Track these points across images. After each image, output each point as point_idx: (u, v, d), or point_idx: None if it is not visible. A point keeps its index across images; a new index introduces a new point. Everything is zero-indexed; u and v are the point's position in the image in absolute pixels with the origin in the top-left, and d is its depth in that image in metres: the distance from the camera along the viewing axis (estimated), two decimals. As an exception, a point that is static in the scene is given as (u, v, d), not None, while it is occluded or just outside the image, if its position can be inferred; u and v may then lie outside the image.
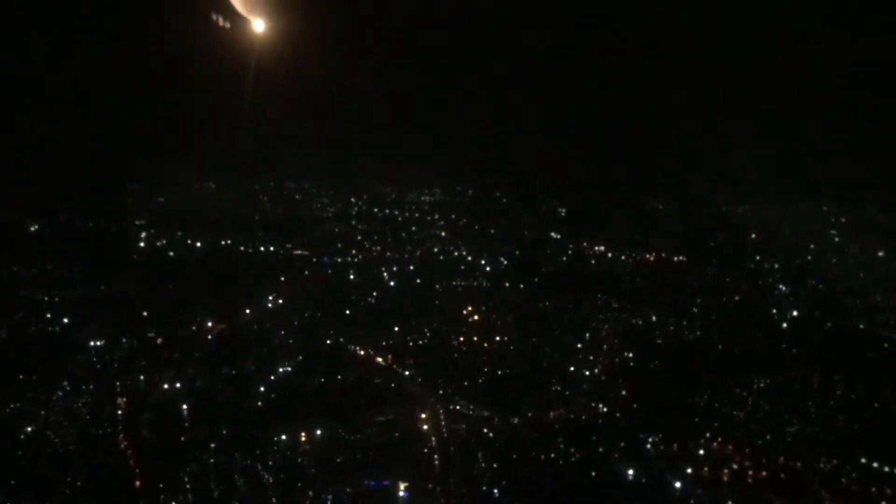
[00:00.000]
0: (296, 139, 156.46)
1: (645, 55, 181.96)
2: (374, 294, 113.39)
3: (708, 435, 78.48)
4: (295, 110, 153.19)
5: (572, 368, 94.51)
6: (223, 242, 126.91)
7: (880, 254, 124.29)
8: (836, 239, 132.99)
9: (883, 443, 76.69)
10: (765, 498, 68.59)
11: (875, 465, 73.45)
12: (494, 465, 69.98)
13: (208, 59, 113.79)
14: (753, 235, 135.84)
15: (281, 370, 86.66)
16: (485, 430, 76.48)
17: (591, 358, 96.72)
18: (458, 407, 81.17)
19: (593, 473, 69.98)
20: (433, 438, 73.94)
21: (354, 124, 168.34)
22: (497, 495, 66.70)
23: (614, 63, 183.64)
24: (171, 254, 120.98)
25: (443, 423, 77.20)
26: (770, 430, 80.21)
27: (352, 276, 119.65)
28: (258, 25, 66.96)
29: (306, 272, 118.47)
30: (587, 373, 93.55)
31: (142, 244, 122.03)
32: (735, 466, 73.48)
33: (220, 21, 76.66)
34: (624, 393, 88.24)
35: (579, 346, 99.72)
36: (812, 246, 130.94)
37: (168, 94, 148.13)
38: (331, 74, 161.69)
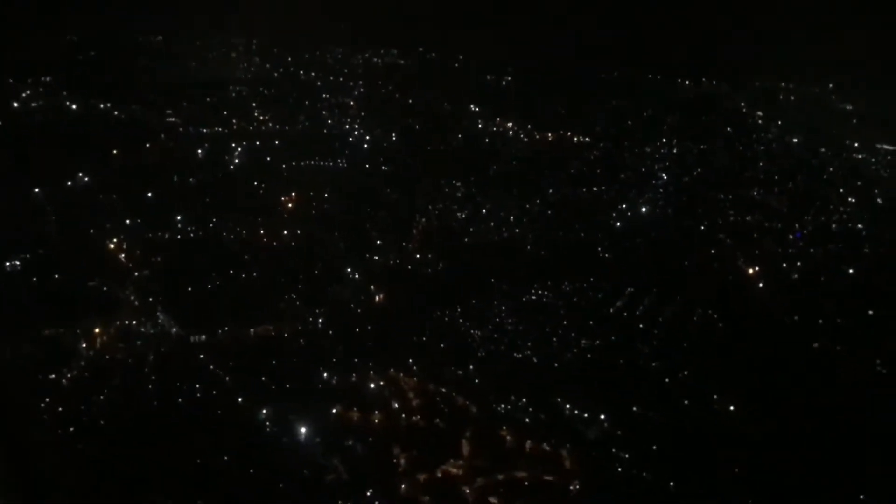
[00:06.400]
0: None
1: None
2: (182, 174, 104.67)
3: (410, 361, 69.05)
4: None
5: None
6: (102, 106, 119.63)
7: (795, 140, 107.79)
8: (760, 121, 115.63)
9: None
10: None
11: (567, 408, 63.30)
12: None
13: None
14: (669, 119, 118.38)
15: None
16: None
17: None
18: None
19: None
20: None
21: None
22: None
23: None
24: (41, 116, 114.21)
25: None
26: (495, 355, 70.19)
27: (199, 152, 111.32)
28: None
29: (147, 144, 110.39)
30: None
31: (24, 95, 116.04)
32: (396, 405, 64.51)
33: None
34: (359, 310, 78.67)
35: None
36: (729, 128, 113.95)
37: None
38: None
